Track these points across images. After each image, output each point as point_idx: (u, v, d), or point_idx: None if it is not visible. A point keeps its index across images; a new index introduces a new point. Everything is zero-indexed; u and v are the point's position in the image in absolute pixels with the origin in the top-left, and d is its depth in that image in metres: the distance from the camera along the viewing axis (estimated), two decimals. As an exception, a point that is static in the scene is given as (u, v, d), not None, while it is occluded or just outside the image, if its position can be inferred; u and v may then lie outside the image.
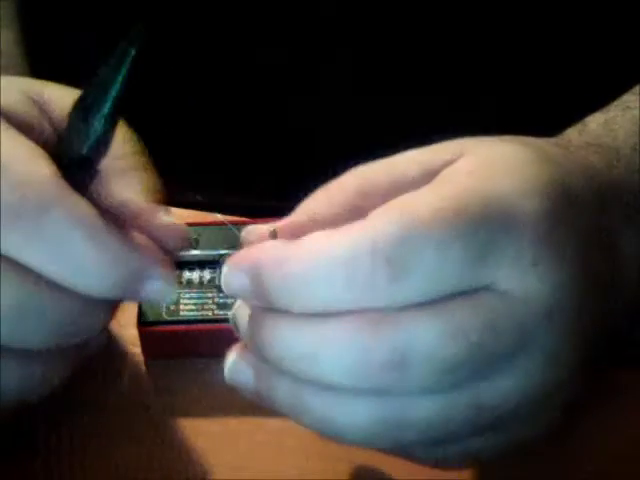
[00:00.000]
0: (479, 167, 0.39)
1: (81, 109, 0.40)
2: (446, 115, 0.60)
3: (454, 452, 0.41)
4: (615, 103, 0.48)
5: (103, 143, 0.41)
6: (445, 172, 0.39)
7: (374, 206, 0.39)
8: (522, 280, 0.37)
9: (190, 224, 0.52)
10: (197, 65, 0.65)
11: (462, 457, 0.42)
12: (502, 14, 0.60)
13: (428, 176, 0.40)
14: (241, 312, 0.40)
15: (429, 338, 0.36)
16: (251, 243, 0.40)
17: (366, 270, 0.36)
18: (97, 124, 0.40)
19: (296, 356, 0.38)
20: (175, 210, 0.55)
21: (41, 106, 0.44)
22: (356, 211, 0.39)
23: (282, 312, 0.38)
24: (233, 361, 0.41)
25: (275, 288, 0.38)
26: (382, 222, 0.37)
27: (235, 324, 0.41)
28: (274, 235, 0.40)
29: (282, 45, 0.63)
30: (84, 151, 0.41)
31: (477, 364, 0.37)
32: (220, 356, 0.48)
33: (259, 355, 0.39)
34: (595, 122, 0.47)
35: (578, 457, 0.47)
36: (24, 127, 0.42)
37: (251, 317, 0.39)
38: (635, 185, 0.44)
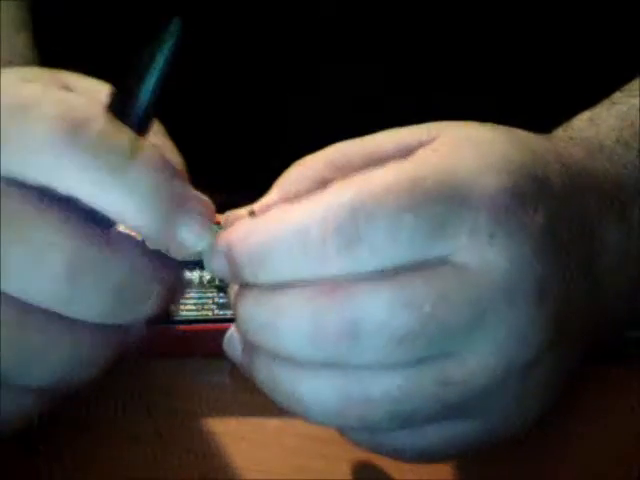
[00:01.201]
0: (444, 144, 0.40)
1: (119, 102, 0.40)
2: (448, 115, 0.60)
3: (424, 439, 0.41)
4: (603, 101, 0.49)
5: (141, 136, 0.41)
6: (415, 151, 0.40)
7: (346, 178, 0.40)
8: (479, 253, 0.38)
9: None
10: (198, 65, 0.65)
11: (435, 447, 0.41)
12: (501, 12, 0.60)
13: (402, 154, 0.40)
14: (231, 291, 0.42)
15: (380, 307, 0.37)
16: (230, 224, 0.41)
17: (317, 240, 0.37)
18: (135, 117, 0.40)
19: (257, 326, 0.39)
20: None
21: None
22: (325, 185, 0.40)
23: (250, 285, 0.39)
24: (229, 333, 0.42)
25: (242, 262, 0.39)
26: (336, 194, 0.38)
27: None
28: (252, 216, 0.41)
29: (282, 46, 0.63)
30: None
31: (432, 336, 0.37)
32: (220, 356, 0.48)
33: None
34: (581, 119, 0.47)
35: (577, 457, 0.47)
36: None
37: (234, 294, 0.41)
38: (617, 176, 0.44)
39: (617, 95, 0.49)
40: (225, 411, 0.49)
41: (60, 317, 0.39)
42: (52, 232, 0.38)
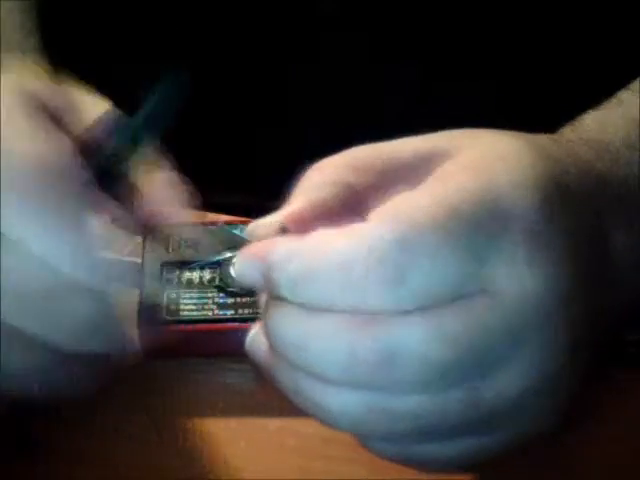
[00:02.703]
0: (474, 162, 0.40)
1: (128, 131, 0.43)
2: (447, 92, 0.60)
3: (453, 451, 0.41)
4: (610, 100, 0.48)
5: (138, 163, 0.43)
6: (441, 168, 0.40)
7: (366, 183, 0.41)
8: (516, 279, 0.38)
9: (190, 224, 0.53)
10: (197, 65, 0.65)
11: (462, 457, 0.41)
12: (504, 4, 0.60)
13: (422, 161, 0.40)
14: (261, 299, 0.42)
15: (417, 341, 0.37)
16: (260, 237, 0.41)
17: (360, 274, 0.37)
18: (141, 149, 0.43)
19: (288, 343, 0.39)
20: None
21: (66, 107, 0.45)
22: (349, 188, 0.41)
23: (286, 301, 0.39)
24: (254, 332, 0.42)
25: (280, 284, 0.38)
26: (379, 226, 0.38)
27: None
28: (284, 230, 0.40)
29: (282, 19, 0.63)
30: (122, 170, 0.43)
31: (468, 367, 0.38)
32: (220, 356, 0.48)
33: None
34: (588, 119, 0.47)
35: (578, 457, 0.47)
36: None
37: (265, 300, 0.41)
38: (621, 178, 0.44)
39: (624, 94, 0.49)
40: (225, 411, 0.49)
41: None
42: None
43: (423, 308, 0.37)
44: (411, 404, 0.38)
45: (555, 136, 0.45)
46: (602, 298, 0.42)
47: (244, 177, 0.67)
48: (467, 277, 0.37)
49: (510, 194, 0.38)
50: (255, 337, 0.42)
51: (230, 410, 0.48)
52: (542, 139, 0.43)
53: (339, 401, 0.38)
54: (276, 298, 0.39)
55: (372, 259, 0.37)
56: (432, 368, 0.37)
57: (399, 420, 0.38)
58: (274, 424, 0.48)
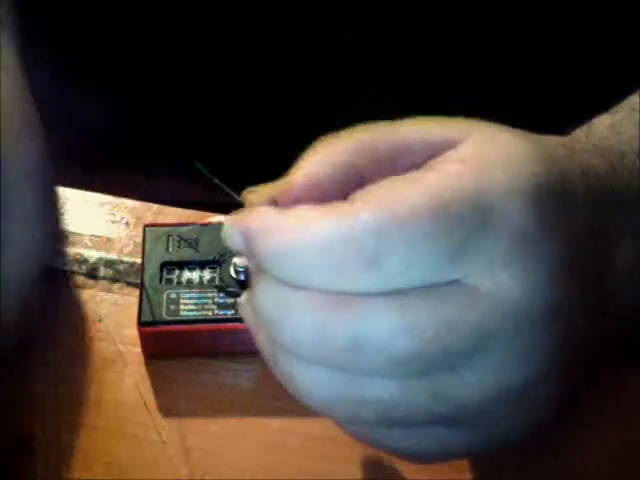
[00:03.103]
0: (474, 158, 0.39)
1: None
2: (452, 87, 0.60)
3: (420, 439, 0.41)
4: (622, 104, 0.48)
5: None
6: (442, 157, 0.40)
7: (372, 168, 0.40)
8: (492, 278, 0.38)
9: (190, 224, 0.53)
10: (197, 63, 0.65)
11: (430, 448, 0.41)
12: None
13: (429, 148, 0.40)
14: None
15: (383, 330, 0.37)
16: (251, 204, 0.41)
17: (337, 257, 0.37)
18: None
19: (265, 315, 0.39)
20: (175, 210, 0.55)
21: None
22: (354, 170, 0.41)
23: (266, 272, 0.39)
24: (244, 297, 0.42)
25: (260, 254, 0.39)
26: (360, 212, 0.38)
27: None
28: (274, 201, 0.41)
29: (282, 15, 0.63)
30: None
31: (432, 359, 0.38)
32: (220, 356, 0.48)
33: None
34: (602, 124, 0.47)
35: (577, 457, 0.47)
36: None
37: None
38: (633, 190, 0.44)
39: (636, 101, 0.48)
40: (225, 411, 0.49)
41: None
42: None
43: (395, 294, 0.37)
44: (377, 389, 0.38)
45: (569, 142, 0.45)
46: (597, 315, 0.42)
47: (245, 177, 0.67)
48: (443, 268, 0.37)
49: (503, 198, 0.38)
50: (244, 301, 0.42)
51: (230, 410, 0.48)
52: (556, 147, 0.42)
53: (308, 377, 0.39)
54: (258, 267, 0.40)
55: (350, 243, 0.37)
56: (396, 358, 0.37)
57: (365, 403, 0.39)
58: (274, 424, 0.47)
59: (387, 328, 0.37)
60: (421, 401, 0.38)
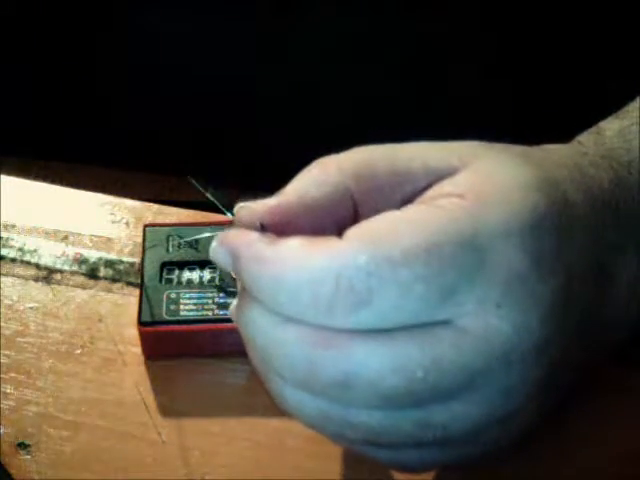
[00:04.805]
0: (471, 191, 0.39)
1: None
2: (459, 92, 0.60)
3: (404, 457, 0.41)
4: (629, 108, 0.47)
5: None
6: (439, 187, 0.39)
7: (367, 194, 0.40)
8: (483, 320, 0.37)
9: (190, 224, 0.53)
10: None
11: (421, 466, 0.42)
12: None
13: (431, 178, 0.40)
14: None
15: (373, 369, 0.37)
16: (240, 222, 0.41)
17: (328, 295, 0.37)
18: None
19: (251, 342, 0.39)
20: (175, 210, 0.55)
21: None
22: (347, 194, 0.40)
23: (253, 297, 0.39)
24: (234, 309, 0.41)
25: (249, 281, 0.39)
26: (355, 252, 0.37)
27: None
28: (262, 227, 0.40)
29: None
30: None
31: (420, 397, 0.38)
32: (220, 356, 0.48)
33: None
34: (611, 129, 0.46)
35: (578, 457, 0.47)
36: None
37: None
38: (638, 203, 0.43)
39: None
40: (225, 411, 0.48)
41: None
42: None
43: (385, 332, 0.37)
44: (363, 417, 0.39)
45: (574, 156, 0.43)
46: (591, 338, 0.42)
47: (245, 178, 0.67)
48: (434, 309, 0.37)
49: (500, 238, 0.38)
50: (233, 316, 0.42)
51: (230, 410, 0.48)
52: (559, 169, 0.41)
53: (296, 400, 0.39)
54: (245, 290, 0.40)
55: (342, 281, 0.37)
56: (385, 394, 0.38)
57: (351, 428, 0.39)
58: (273, 424, 0.47)
59: (377, 366, 0.37)
60: (407, 429, 0.39)
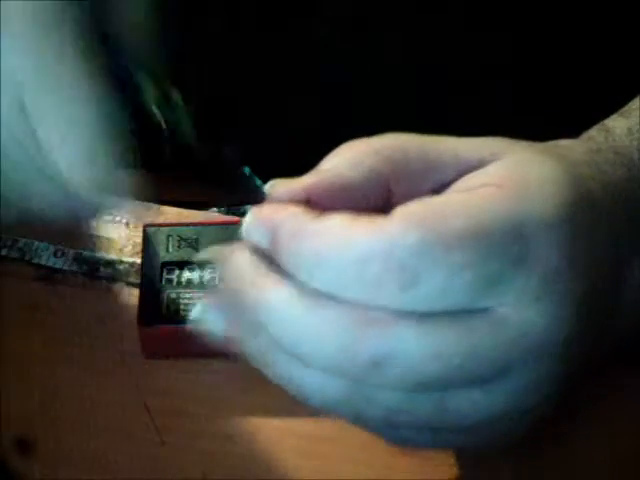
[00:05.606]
0: (509, 181, 0.39)
1: None
2: (471, 92, 0.60)
3: (416, 436, 0.41)
4: (633, 106, 0.47)
5: None
6: (478, 179, 0.39)
7: (399, 180, 0.40)
8: (521, 311, 0.38)
9: (190, 224, 0.53)
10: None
11: (427, 443, 0.42)
12: None
13: (461, 168, 0.40)
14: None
15: (415, 352, 0.37)
16: (277, 197, 0.40)
17: (375, 273, 0.37)
18: None
19: (277, 321, 0.38)
20: (175, 210, 0.55)
21: None
22: (382, 178, 0.40)
23: (286, 275, 0.38)
24: (201, 307, 0.41)
25: (287, 258, 0.38)
26: (404, 231, 0.37)
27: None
28: (302, 199, 0.39)
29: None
30: None
31: (452, 381, 0.38)
32: (220, 356, 0.48)
33: (233, 300, 0.39)
34: (619, 127, 0.46)
35: (578, 457, 0.47)
36: None
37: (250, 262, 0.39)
38: None
39: None
40: (225, 411, 0.49)
41: None
42: None
43: (427, 316, 0.37)
44: (385, 397, 0.38)
45: (590, 153, 0.44)
46: (605, 336, 0.42)
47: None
48: (478, 296, 0.37)
49: (541, 231, 0.38)
50: (204, 308, 0.41)
51: (230, 410, 0.48)
52: (582, 166, 0.42)
53: (316, 383, 0.38)
54: (277, 268, 0.38)
55: (392, 259, 0.37)
56: (418, 378, 0.37)
57: (370, 408, 0.38)
58: (273, 424, 0.48)
59: (416, 352, 0.37)
60: (426, 411, 0.38)
